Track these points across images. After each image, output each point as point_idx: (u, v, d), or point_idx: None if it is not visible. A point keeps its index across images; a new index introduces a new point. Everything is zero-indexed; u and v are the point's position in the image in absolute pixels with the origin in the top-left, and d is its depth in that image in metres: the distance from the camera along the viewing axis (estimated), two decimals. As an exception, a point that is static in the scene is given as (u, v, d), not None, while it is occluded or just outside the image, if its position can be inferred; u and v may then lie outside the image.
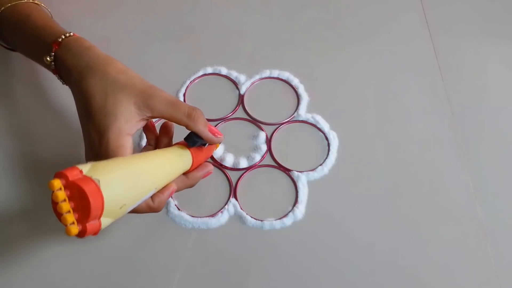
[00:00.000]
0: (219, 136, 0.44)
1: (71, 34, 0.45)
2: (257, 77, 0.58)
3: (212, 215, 0.49)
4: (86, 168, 0.33)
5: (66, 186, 0.31)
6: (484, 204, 0.50)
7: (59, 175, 0.31)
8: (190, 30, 0.61)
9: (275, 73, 0.58)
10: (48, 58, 0.44)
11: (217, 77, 0.58)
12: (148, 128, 0.45)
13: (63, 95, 0.54)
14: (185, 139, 0.43)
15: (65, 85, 0.46)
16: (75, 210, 0.31)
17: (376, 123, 0.55)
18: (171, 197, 0.49)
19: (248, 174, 0.51)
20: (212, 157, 0.52)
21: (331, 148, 0.53)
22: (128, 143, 0.40)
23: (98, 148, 0.40)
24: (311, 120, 0.55)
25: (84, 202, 0.31)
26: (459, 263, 0.47)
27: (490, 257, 0.47)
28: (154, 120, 0.45)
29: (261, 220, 0.48)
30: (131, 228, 0.48)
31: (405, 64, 0.59)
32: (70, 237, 0.44)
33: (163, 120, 0.44)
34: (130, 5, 0.63)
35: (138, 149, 0.50)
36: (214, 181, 0.51)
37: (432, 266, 0.47)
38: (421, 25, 0.63)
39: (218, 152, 0.52)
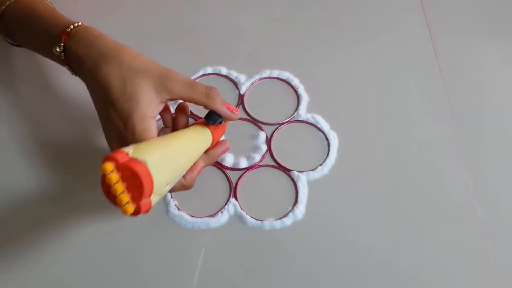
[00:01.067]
0: (236, 112, 0.45)
1: (80, 23, 0.45)
2: (257, 77, 0.58)
3: (212, 215, 0.49)
4: (130, 151, 0.34)
5: (117, 169, 0.32)
6: (484, 204, 0.50)
7: (109, 158, 0.32)
8: (190, 30, 0.61)
9: (275, 73, 0.58)
10: (57, 49, 0.44)
11: (217, 77, 0.58)
12: (163, 110, 0.45)
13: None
14: (205, 118, 0.44)
15: (74, 76, 0.46)
16: (127, 190, 0.32)
17: (376, 123, 0.55)
18: (171, 196, 0.49)
19: (248, 174, 0.51)
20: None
21: (331, 148, 0.53)
22: (153, 125, 0.41)
23: (124, 133, 0.40)
24: (311, 120, 0.55)
25: (136, 182, 0.32)
26: (459, 263, 0.47)
27: (490, 257, 0.47)
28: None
29: (261, 220, 0.48)
30: (131, 228, 0.48)
31: (405, 64, 0.59)
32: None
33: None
34: (130, 5, 0.63)
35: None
36: (214, 181, 0.51)
37: (432, 266, 0.47)
38: (421, 25, 0.63)
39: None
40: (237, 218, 0.49)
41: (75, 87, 0.54)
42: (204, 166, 0.45)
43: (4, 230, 0.47)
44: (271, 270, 0.46)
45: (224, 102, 0.44)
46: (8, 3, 0.49)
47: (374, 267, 0.46)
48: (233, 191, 0.50)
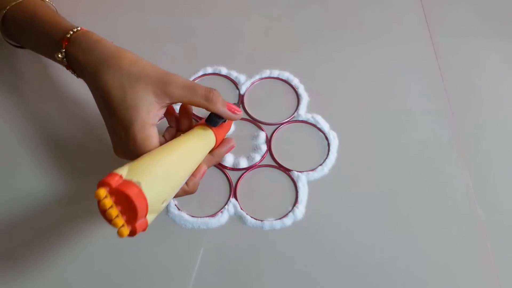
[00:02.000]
0: (238, 112, 0.45)
1: (79, 28, 0.45)
2: (257, 77, 0.58)
3: (212, 215, 0.49)
4: (124, 172, 0.34)
5: (111, 193, 0.33)
6: (484, 204, 0.50)
7: (102, 183, 0.33)
8: (190, 31, 0.61)
9: (275, 73, 0.58)
10: (59, 55, 0.45)
11: (217, 77, 0.58)
12: (168, 112, 0.46)
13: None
14: (206, 121, 0.45)
15: (79, 78, 0.47)
16: (122, 212, 0.33)
17: (376, 123, 0.55)
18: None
19: (248, 174, 0.51)
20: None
21: (331, 148, 0.53)
22: (154, 133, 0.41)
23: (126, 142, 0.41)
24: (311, 120, 0.55)
25: (129, 206, 0.33)
26: (459, 263, 0.47)
27: (490, 257, 0.47)
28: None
29: (261, 220, 0.48)
30: (131, 228, 0.48)
31: (405, 64, 0.59)
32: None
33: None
34: (130, 5, 0.63)
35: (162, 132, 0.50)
36: (214, 181, 0.51)
37: (432, 266, 0.47)
38: (421, 25, 0.63)
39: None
40: (237, 218, 0.49)
41: (81, 87, 0.54)
42: (209, 166, 0.45)
43: (11, 231, 0.47)
44: (271, 270, 0.46)
45: (224, 103, 0.44)
46: (9, 6, 0.49)
47: (374, 267, 0.46)
48: (233, 191, 0.50)
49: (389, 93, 0.57)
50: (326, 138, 0.54)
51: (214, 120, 0.44)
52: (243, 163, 0.52)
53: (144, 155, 0.39)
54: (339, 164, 0.52)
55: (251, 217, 0.49)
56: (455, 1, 0.65)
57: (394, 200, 0.50)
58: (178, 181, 0.39)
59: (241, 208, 0.49)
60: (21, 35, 0.51)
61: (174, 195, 0.39)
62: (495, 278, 0.46)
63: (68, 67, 0.46)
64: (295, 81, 0.57)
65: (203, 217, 0.48)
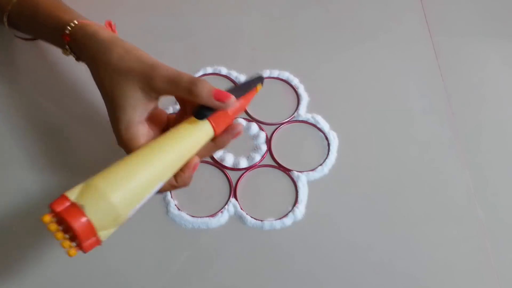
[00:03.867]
0: (227, 100, 0.40)
1: (76, 22, 0.45)
2: (257, 77, 0.58)
3: (212, 215, 0.49)
4: (76, 192, 0.35)
5: (56, 216, 0.34)
6: (484, 204, 0.50)
7: (50, 206, 0.34)
8: (190, 30, 0.61)
9: (275, 73, 0.58)
10: (66, 52, 0.46)
11: (217, 77, 0.58)
12: (178, 96, 0.45)
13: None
14: (193, 113, 0.41)
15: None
16: (70, 233, 0.34)
17: (376, 123, 0.55)
18: (171, 196, 0.49)
19: (248, 174, 0.51)
20: (212, 157, 0.52)
21: (331, 148, 0.53)
22: (139, 132, 0.41)
23: (117, 138, 0.42)
24: (311, 120, 0.55)
25: (72, 230, 0.34)
26: (459, 263, 0.47)
27: (490, 257, 0.47)
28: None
29: (261, 220, 0.48)
30: (130, 228, 0.48)
31: (405, 64, 0.59)
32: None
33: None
34: (130, 5, 0.63)
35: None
36: (214, 181, 0.51)
37: (432, 266, 0.47)
38: (421, 25, 0.63)
39: (218, 152, 0.52)
40: (237, 218, 0.49)
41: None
42: (212, 153, 0.44)
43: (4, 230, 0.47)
44: (271, 270, 0.46)
45: (210, 94, 0.40)
46: (14, 1, 0.49)
47: (374, 267, 0.46)
48: (233, 191, 0.50)
49: (389, 93, 0.57)
50: (326, 138, 0.54)
51: (201, 113, 0.40)
52: (243, 163, 0.52)
53: (113, 164, 0.37)
54: (339, 164, 0.52)
55: (251, 217, 0.49)
56: (455, 1, 0.65)
57: (394, 200, 0.50)
58: (141, 193, 0.37)
59: (241, 208, 0.49)
60: (30, 29, 0.51)
61: (139, 205, 0.38)
62: (495, 278, 0.46)
63: (78, 59, 0.46)
64: (295, 81, 0.57)
65: (203, 217, 0.48)
